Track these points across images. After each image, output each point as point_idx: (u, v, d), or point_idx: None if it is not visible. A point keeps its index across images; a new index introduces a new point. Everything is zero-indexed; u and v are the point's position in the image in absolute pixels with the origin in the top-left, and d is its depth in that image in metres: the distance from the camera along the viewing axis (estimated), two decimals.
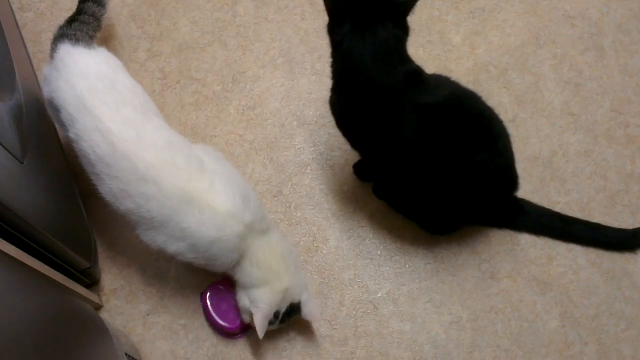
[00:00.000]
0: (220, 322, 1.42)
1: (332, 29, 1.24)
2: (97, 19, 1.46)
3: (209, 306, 1.43)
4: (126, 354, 1.30)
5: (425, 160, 1.29)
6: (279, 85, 1.69)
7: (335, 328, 1.47)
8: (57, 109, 1.27)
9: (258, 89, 1.69)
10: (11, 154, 1.15)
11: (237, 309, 1.39)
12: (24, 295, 0.99)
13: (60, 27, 1.36)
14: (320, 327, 1.46)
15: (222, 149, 1.61)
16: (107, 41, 1.71)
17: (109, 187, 1.23)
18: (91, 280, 1.47)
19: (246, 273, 1.31)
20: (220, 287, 1.44)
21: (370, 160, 1.46)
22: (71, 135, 1.25)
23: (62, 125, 1.27)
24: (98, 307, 1.47)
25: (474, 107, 1.33)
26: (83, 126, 1.21)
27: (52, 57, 1.32)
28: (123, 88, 1.28)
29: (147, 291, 1.49)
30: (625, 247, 1.53)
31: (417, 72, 1.27)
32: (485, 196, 1.37)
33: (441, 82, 1.33)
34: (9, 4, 1.69)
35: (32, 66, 1.65)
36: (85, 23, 1.40)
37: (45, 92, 1.31)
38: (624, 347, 1.45)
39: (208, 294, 1.44)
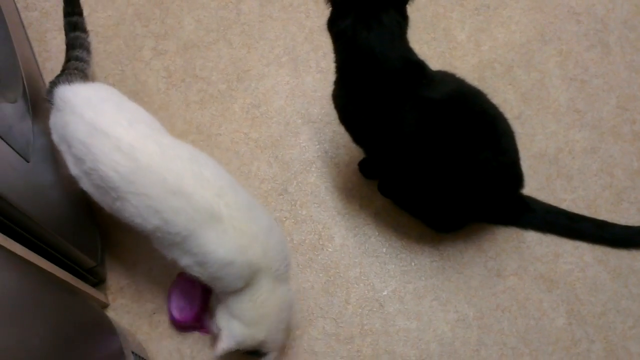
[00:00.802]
0: (173, 310, 1.43)
1: (335, 21, 1.25)
2: (86, 62, 1.44)
3: (172, 294, 1.44)
4: (133, 352, 1.30)
5: (426, 155, 1.28)
6: (284, 84, 1.69)
7: (341, 326, 1.47)
8: (69, 146, 1.22)
9: (263, 87, 1.69)
10: (18, 153, 1.15)
11: (197, 306, 1.41)
12: (31, 293, 0.99)
13: (51, 81, 1.33)
14: (326, 325, 1.46)
15: (227, 148, 1.61)
16: (111, 40, 1.71)
17: (135, 207, 1.17)
18: (98, 279, 1.47)
19: (240, 304, 1.24)
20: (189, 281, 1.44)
21: (372, 156, 1.46)
22: (88, 165, 1.19)
23: (77, 159, 1.21)
24: (105, 306, 1.47)
25: (478, 105, 1.33)
26: (100, 150, 1.17)
27: (52, 104, 1.29)
28: (130, 108, 1.28)
29: (154, 290, 1.49)
30: (632, 245, 1.53)
31: (421, 65, 1.28)
32: (489, 194, 1.37)
33: (446, 79, 1.33)
34: (15, 4, 1.69)
35: (37, 65, 1.65)
36: (76, 69, 1.39)
37: (55, 138, 1.27)
38: (631, 344, 1.45)
39: (177, 281, 1.46)
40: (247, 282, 1.22)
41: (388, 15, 1.22)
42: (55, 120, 1.27)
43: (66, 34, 1.45)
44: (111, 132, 1.17)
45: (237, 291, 1.23)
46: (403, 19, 1.25)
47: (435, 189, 1.35)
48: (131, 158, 1.16)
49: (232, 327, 1.25)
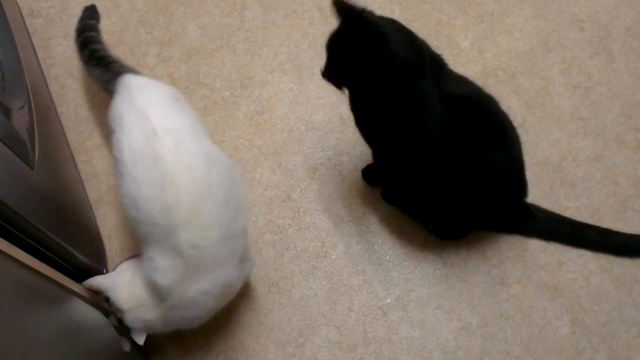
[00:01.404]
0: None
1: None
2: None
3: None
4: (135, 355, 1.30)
5: (444, 152, 1.28)
6: (288, 90, 1.69)
7: (344, 334, 1.46)
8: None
9: (266, 94, 1.69)
10: (22, 159, 1.16)
11: None
12: (34, 300, 0.99)
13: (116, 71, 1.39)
14: (329, 332, 1.46)
15: (231, 155, 1.61)
16: (116, 47, 1.71)
17: (125, 189, 1.19)
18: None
19: (152, 267, 1.19)
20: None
21: (384, 157, 1.44)
22: (116, 136, 1.23)
23: (112, 132, 1.26)
24: (108, 313, 1.47)
25: (493, 108, 1.34)
26: (128, 121, 1.22)
27: (113, 93, 1.32)
28: (178, 108, 1.29)
29: None
30: (636, 253, 1.52)
31: (440, 58, 1.28)
32: (495, 199, 1.37)
33: (461, 79, 1.34)
34: (19, 10, 1.70)
35: (42, 72, 1.66)
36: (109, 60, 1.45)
37: (111, 123, 1.29)
38: (635, 354, 1.44)
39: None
40: (169, 249, 1.16)
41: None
42: (114, 105, 1.30)
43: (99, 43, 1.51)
44: (145, 111, 1.20)
45: (153, 256, 1.19)
46: None
47: (442, 192, 1.35)
48: (147, 142, 1.16)
49: (119, 282, 1.25)
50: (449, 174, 1.31)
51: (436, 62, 1.27)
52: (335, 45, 1.23)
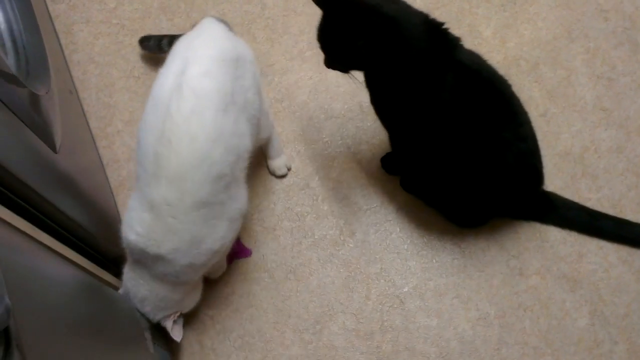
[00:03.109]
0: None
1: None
2: None
3: None
4: (154, 343, 1.31)
5: (455, 126, 1.27)
6: (307, 79, 1.69)
7: (361, 322, 1.47)
8: None
9: (286, 81, 1.69)
10: (47, 144, 1.17)
11: None
12: (57, 282, 1.01)
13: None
14: (346, 320, 1.47)
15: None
16: (137, 33, 1.72)
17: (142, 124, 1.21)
18: (120, 269, 1.48)
19: (128, 219, 1.22)
20: None
21: (401, 142, 1.43)
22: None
23: None
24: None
25: (505, 88, 1.34)
26: (170, 65, 1.21)
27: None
28: (229, 71, 1.26)
29: None
30: None
31: (459, 39, 1.28)
32: (509, 183, 1.36)
33: (476, 56, 1.33)
34: None
35: (64, 58, 1.67)
36: None
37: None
38: None
39: None
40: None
41: None
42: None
43: None
44: (189, 61, 1.18)
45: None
46: None
47: (459, 176, 1.35)
48: (170, 92, 1.15)
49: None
50: (460, 152, 1.31)
51: (439, 31, 1.26)
52: (329, 34, 1.24)
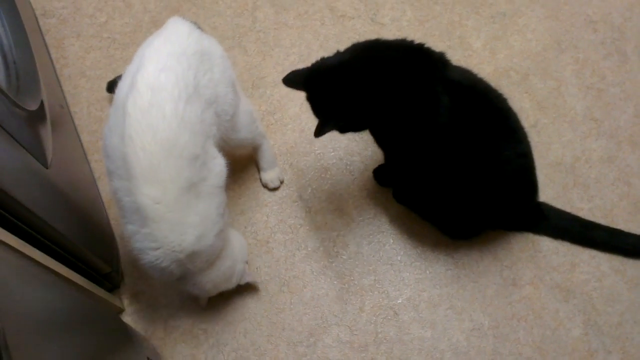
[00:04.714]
0: None
1: None
2: None
3: None
4: (147, 357, 1.30)
5: (453, 146, 1.27)
6: (299, 91, 1.69)
7: (355, 334, 1.46)
8: None
9: (278, 94, 1.69)
10: (37, 160, 1.16)
11: None
12: (48, 298, 1.00)
13: None
14: (340, 332, 1.46)
15: (242, 155, 1.61)
16: (128, 47, 1.72)
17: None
18: (113, 284, 1.48)
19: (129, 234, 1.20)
20: None
21: (397, 159, 1.43)
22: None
23: None
24: (120, 311, 1.48)
25: (502, 104, 1.34)
26: (134, 64, 1.21)
27: None
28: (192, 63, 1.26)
29: (168, 295, 1.49)
30: None
31: (444, 54, 1.29)
32: (506, 197, 1.36)
33: (467, 73, 1.34)
34: (33, 10, 1.71)
35: (55, 72, 1.67)
36: None
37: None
38: None
39: None
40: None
41: None
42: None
43: None
44: (145, 60, 1.17)
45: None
46: None
47: (454, 190, 1.35)
48: (126, 93, 1.13)
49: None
50: (459, 170, 1.30)
51: (421, 52, 1.27)
52: (320, 106, 1.29)
